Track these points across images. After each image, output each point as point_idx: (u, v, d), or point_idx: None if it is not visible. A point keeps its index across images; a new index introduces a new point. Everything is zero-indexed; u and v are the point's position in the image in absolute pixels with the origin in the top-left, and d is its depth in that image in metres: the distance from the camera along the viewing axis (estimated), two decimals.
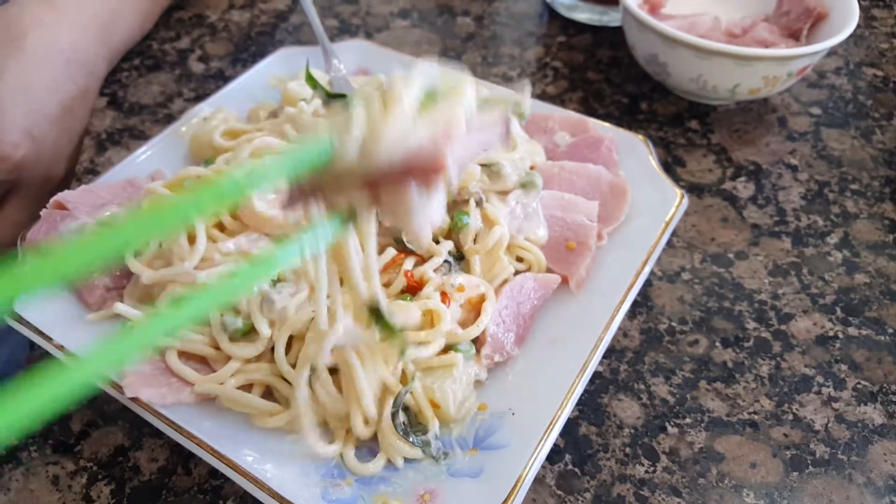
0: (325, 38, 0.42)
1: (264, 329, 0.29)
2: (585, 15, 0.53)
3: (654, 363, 0.33)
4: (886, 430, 0.31)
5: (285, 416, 0.28)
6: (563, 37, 0.53)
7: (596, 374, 0.33)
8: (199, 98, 0.45)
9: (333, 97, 0.38)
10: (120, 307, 0.32)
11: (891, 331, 0.35)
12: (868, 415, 0.32)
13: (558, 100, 0.47)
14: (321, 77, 0.40)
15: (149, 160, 0.38)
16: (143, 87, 0.49)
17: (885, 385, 0.33)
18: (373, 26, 0.54)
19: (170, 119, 0.45)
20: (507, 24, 0.54)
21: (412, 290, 0.30)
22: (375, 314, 0.25)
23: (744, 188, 0.42)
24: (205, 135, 0.39)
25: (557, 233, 0.34)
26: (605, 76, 0.49)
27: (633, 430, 0.31)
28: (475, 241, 0.32)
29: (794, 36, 0.46)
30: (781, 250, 0.39)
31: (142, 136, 0.45)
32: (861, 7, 0.53)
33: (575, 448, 0.31)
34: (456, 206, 0.32)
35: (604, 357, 0.33)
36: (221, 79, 0.48)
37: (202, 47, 0.52)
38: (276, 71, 0.43)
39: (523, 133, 0.37)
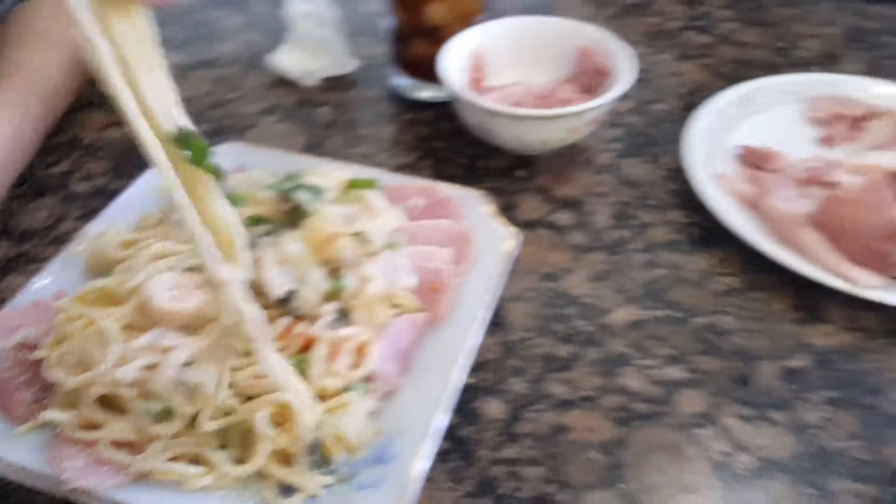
0: None
1: (181, 408, 0.35)
2: (427, 93, 0.63)
3: (511, 367, 0.43)
4: (685, 382, 0.42)
5: (211, 476, 0.35)
6: (410, 114, 0.62)
7: (468, 386, 0.41)
8: (87, 216, 0.48)
9: None
10: (49, 414, 0.37)
11: (683, 309, 0.46)
12: (672, 374, 0.42)
13: (413, 168, 0.57)
14: None
15: (51, 283, 0.43)
16: (31, 212, 0.54)
17: (683, 350, 0.43)
18: (242, 126, 0.62)
19: (60, 241, 0.48)
20: (361, 110, 0.63)
21: (306, 347, 0.38)
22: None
23: (565, 218, 0.53)
24: (100, 250, 0.43)
25: (423, 278, 0.43)
26: (448, 143, 0.59)
27: (500, 423, 0.40)
28: (356, 297, 0.40)
29: (590, 91, 0.58)
30: (598, 261, 0.49)
31: (36, 260, 0.49)
32: (645, 53, 0.66)
33: (457, 446, 0.39)
34: (334, 272, 0.40)
35: (473, 371, 0.42)
36: (106, 195, 0.50)
37: (83, 167, 0.58)
38: (158, 180, 0.49)
39: (385, 202, 0.46)
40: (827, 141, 0.56)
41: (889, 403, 0.41)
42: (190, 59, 0.69)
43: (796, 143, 0.56)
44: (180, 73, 0.66)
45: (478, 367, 0.42)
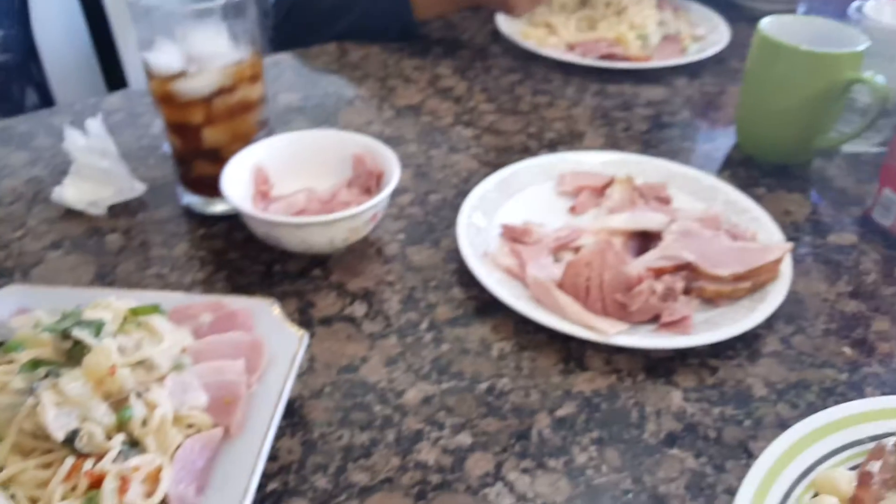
0: None
1: None
2: (218, 208, 0.65)
3: (313, 464, 0.45)
4: (473, 446, 0.46)
5: None
6: (202, 229, 0.64)
7: (272, 492, 0.43)
8: None
9: None
10: None
11: (467, 378, 0.51)
12: (461, 441, 0.46)
13: (208, 283, 0.58)
14: None
15: None
16: None
17: (469, 417, 0.48)
18: (28, 264, 0.60)
19: None
20: (152, 231, 0.64)
21: (95, 485, 0.38)
22: None
23: (360, 309, 0.57)
24: None
25: (215, 393, 0.44)
26: (242, 253, 0.62)
27: None
28: (145, 425, 0.41)
29: (369, 192, 0.63)
30: (391, 346, 0.53)
31: None
32: (421, 149, 0.73)
33: None
34: (119, 404, 0.41)
35: (275, 475, 0.44)
36: None
37: None
38: None
39: (169, 324, 0.47)
40: (575, 210, 0.66)
41: (647, 434, 0.48)
42: None
43: (551, 216, 0.65)
44: None
45: (280, 471, 0.44)
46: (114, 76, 1.49)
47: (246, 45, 0.58)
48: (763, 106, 0.73)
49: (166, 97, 0.58)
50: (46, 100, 1.39)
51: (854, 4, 0.76)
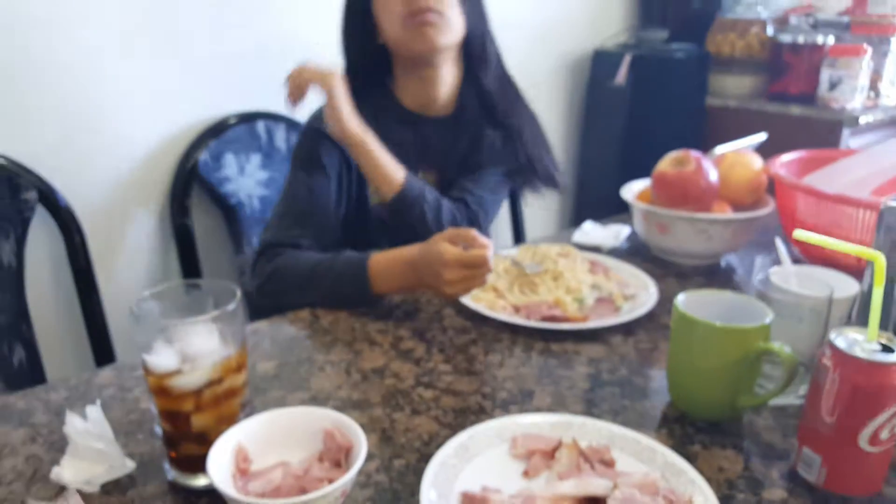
0: None
1: None
2: (202, 482, 0.70)
3: None
4: None
5: None
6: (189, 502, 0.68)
7: None
8: None
9: None
10: None
11: None
12: None
13: None
14: None
15: None
16: None
17: None
18: None
19: None
20: None
21: None
22: None
23: None
24: None
25: None
26: None
27: None
28: None
29: (339, 465, 0.69)
30: None
31: None
32: (385, 413, 0.80)
33: None
34: None
35: None
36: None
37: None
38: None
39: None
40: (528, 473, 0.72)
41: None
42: None
43: (507, 479, 0.71)
44: None
45: None
46: (99, 333, 1.58)
47: (234, 342, 0.68)
48: (688, 369, 0.83)
49: (161, 390, 0.66)
50: (33, 355, 1.46)
51: (757, 278, 0.90)
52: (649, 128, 2.52)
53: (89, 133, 1.55)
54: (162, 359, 0.64)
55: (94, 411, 0.71)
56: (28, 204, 1.45)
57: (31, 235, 1.47)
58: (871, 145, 2.45)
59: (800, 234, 0.74)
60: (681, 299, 0.84)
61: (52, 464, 0.71)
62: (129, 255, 1.68)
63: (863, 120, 2.25)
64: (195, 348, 0.65)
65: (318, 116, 1.27)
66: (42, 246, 1.53)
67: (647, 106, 2.51)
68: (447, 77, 1.29)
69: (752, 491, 0.72)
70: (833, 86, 2.30)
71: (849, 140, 2.31)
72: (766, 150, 1.44)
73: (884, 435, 0.67)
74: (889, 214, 0.83)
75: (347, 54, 1.32)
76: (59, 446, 0.75)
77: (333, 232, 1.24)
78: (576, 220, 2.84)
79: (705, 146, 1.40)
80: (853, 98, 2.28)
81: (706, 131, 2.56)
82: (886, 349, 0.67)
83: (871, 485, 0.70)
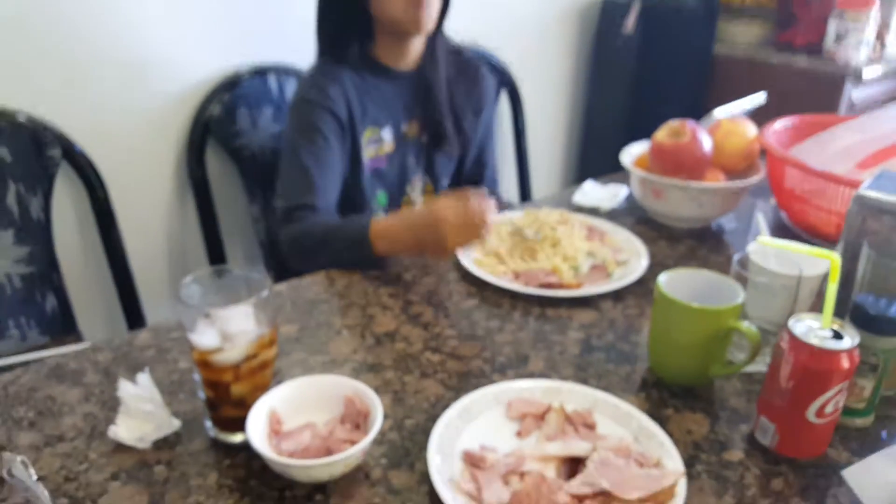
0: None
1: None
2: (239, 438, 0.81)
3: None
4: None
5: None
6: (228, 459, 0.80)
7: None
8: None
9: None
10: None
11: None
12: None
13: None
14: None
15: None
16: None
17: None
18: (95, 494, 0.74)
19: None
20: (190, 462, 0.79)
21: None
22: None
23: None
24: None
25: None
26: (260, 481, 0.77)
27: None
28: None
29: (358, 427, 0.80)
30: None
31: None
32: (397, 375, 0.91)
33: None
34: None
35: None
36: None
37: None
38: None
39: None
40: (520, 434, 0.83)
41: None
42: (41, 437, 0.82)
43: (502, 439, 0.82)
44: (36, 453, 0.78)
45: None
46: (124, 279, 1.69)
47: (267, 322, 0.77)
48: (666, 341, 0.93)
49: (204, 364, 0.76)
50: (63, 302, 1.57)
51: (735, 257, 0.99)
52: (657, 78, 2.54)
53: (108, 90, 1.61)
54: (205, 338, 0.74)
55: (143, 378, 0.82)
56: (53, 160, 1.52)
57: (57, 190, 1.56)
58: (873, 98, 2.47)
59: (764, 240, 0.83)
60: (662, 279, 0.93)
61: (106, 422, 0.83)
62: (150, 207, 1.77)
63: (866, 75, 2.28)
64: (234, 329, 0.74)
65: (308, 87, 1.36)
66: (67, 200, 1.62)
67: (656, 55, 2.52)
68: (422, 38, 1.40)
69: (714, 452, 0.84)
70: (839, 37, 2.31)
71: (851, 92, 2.34)
72: (769, 105, 1.50)
73: (829, 409, 0.77)
74: (858, 203, 0.91)
75: (328, 16, 1.39)
76: (111, 405, 0.86)
77: (337, 188, 1.39)
78: (582, 171, 2.89)
79: (710, 98, 1.45)
80: (858, 52, 2.29)
81: (713, 83, 2.59)
82: (837, 336, 0.77)
83: (817, 449, 0.82)
